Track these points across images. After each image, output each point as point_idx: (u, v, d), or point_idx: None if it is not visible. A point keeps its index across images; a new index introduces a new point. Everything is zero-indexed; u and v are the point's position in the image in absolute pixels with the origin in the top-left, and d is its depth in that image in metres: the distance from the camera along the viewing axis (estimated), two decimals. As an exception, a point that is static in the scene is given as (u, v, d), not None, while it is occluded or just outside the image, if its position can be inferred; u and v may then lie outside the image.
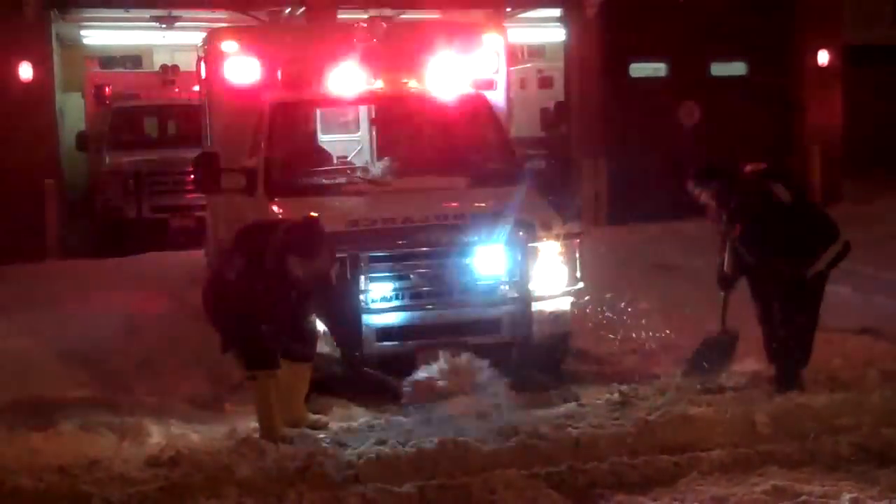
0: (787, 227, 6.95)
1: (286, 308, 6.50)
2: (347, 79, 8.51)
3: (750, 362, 7.51)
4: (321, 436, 6.43)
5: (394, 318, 7.24)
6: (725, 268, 7.35)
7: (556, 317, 7.52)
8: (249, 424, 6.56)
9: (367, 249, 7.10)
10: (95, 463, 5.84)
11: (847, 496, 5.24)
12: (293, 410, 6.66)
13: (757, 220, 6.98)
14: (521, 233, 7.37)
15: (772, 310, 7.14)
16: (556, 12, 17.86)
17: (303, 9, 15.41)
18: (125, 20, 18.19)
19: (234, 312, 6.39)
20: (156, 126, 17.59)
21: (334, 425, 6.71)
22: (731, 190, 7.11)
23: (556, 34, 18.86)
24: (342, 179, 8.39)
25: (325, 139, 10.00)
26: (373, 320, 7.13)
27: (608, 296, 9.15)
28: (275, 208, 7.66)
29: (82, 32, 19.12)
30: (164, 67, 18.64)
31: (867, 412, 6.48)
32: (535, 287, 7.37)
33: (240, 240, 6.75)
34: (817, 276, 7.03)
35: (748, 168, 7.22)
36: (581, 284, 7.70)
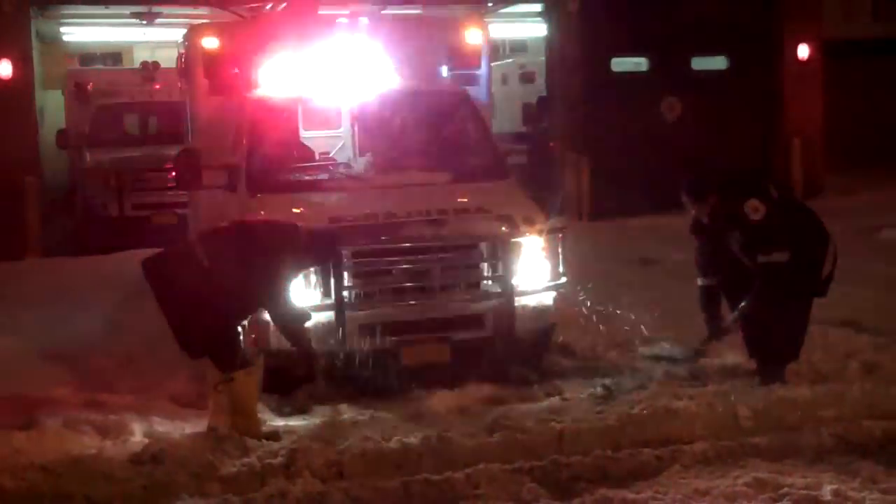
0: (804, 236, 7.02)
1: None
2: (329, 75, 8.49)
3: (731, 356, 7.55)
4: (305, 432, 6.42)
5: (376, 315, 7.23)
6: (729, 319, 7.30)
7: (540, 311, 7.54)
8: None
9: (349, 245, 7.09)
10: (78, 461, 5.81)
11: (829, 488, 5.28)
12: (250, 419, 6.44)
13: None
14: (503, 228, 7.38)
15: (765, 311, 7.15)
16: (538, 7, 17.90)
17: (284, 4, 15.36)
18: (105, 17, 18.12)
19: (219, 303, 6.22)
20: (137, 123, 17.51)
21: (319, 420, 6.70)
22: (730, 211, 7.00)
23: (537, 29, 18.91)
24: (324, 176, 8.37)
25: (306, 135, 9.97)
26: (355, 316, 7.12)
27: (591, 290, 9.17)
28: (256, 205, 7.64)
29: (62, 29, 19.04)
30: (144, 64, 18.55)
31: (848, 404, 6.53)
32: (518, 282, 7.37)
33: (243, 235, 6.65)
34: (829, 276, 7.12)
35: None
36: (564, 279, 7.72)
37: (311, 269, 6.90)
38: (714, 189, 7.12)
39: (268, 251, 6.34)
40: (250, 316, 6.66)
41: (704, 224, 7.25)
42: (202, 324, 6.24)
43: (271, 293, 6.39)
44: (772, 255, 6.84)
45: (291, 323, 6.53)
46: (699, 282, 7.45)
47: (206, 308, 6.20)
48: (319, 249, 6.63)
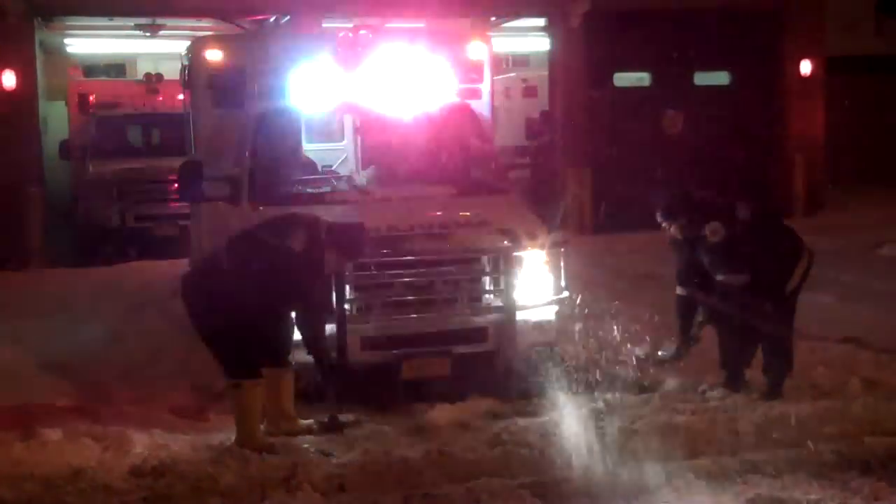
0: (770, 257, 7.08)
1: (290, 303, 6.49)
2: (332, 87, 8.49)
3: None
4: (305, 445, 6.42)
5: (379, 327, 7.22)
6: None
7: (542, 326, 7.53)
8: (232, 435, 6.53)
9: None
10: (78, 473, 5.81)
11: (830, 504, 5.28)
12: (286, 418, 6.64)
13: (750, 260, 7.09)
14: (505, 242, 7.38)
15: (744, 328, 7.18)
16: (541, 22, 17.91)
17: (287, 17, 15.41)
18: (109, 28, 18.13)
19: (235, 304, 6.20)
20: (139, 135, 17.52)
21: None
22: (695, 233, 7.17)
23: (540, 44, 18.91)
24: (327, 188, 8.39)
25: (309, 148, 9.99)
26: (358, 329, 7.11)
27: (593, 305, 9.16)
28: (259, 217, 7.63)
29: (66, 41, 19.05)
30: (147, 76, 18.58)
31: (850, 420, 6.53)
32: (520, 296, 7.37)
33: (269, 229, 6.67)
34: (793, 291, 7.12)
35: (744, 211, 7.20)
36: (566, 293, 7.72)
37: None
38: (683, 210, 7.32)
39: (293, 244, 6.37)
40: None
41: (677, 240, 7.43)
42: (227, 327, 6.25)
43: (299, 290, 6.43)
44: (728, 277, 7.04)
45: (318, 323, 6.57)
46: (677, 290, 7.56)
47: (228, 310, 6.21)
48: (345, 242, 6.62)
